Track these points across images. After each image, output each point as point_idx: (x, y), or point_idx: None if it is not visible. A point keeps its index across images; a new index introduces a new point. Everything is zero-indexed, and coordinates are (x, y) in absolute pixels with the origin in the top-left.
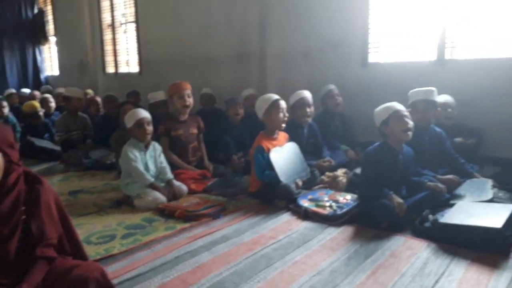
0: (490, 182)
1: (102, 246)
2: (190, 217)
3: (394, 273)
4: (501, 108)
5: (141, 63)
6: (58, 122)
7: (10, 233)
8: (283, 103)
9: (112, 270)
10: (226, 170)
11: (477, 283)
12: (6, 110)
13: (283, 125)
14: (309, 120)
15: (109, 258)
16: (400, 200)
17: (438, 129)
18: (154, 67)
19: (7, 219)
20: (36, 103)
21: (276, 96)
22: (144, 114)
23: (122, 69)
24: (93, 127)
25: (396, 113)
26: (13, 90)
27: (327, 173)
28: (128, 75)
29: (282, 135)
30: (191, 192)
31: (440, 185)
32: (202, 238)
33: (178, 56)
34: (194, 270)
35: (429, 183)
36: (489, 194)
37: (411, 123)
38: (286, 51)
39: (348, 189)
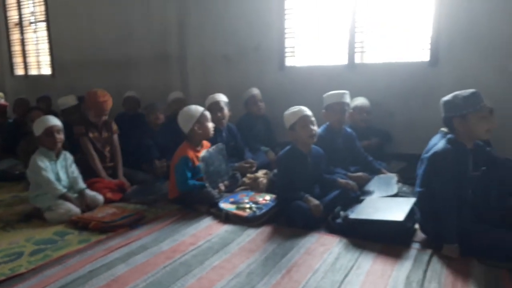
0: (395, 178)
1: (7, 265)
2: (106, 228)
3: (308, 270)
4: (406, 108)
5: (53, 65)
6: None
7: None
8: (208, 114)
9: None
10: (146, 176)
11: (382, 274)
12: None
13: (212, 133)
14: (224, 123)
15: (16, 278)
16: (316, 202)
17: (349, 130)
18: (69, 69)
19: None
20: None
21: (201, 108)
22: (54, 121)
23: (33, 71)
24: (0, 134)
25: (302, 119)
26: None
27: (248, 175)
28: (40, 77)
29: (205, 144)
30: (107, 201)
31: (350, 182)
32: (118, 250)
33: (94, 57)
34: (109, 283)
35: (341, 180)
36: (394, 189)
37: (315, 129)
38: (206, 53)
39: (268, 189)
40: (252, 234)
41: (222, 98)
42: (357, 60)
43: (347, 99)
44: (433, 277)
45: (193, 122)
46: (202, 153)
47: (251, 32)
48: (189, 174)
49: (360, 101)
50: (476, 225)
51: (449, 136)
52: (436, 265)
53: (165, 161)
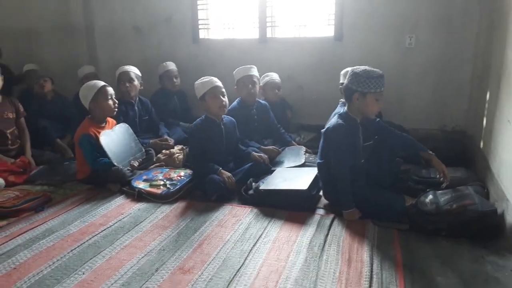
0: (303, 149)
1: None
2: (7, 214)
3: (219, 241)
4: (314, 81)
5: None
6: None
7: None
8: (110, 89)
9: None
10: (54, 156)
11: (287, 240)
12: None
13: (115, 111)
14: (133, 95)
15: None
16: (229, 174)
17: (263, 102)
18: None
19: None
20: None
21: (102, 83)
22: None
23: None
24: None
25: (212, 90)
26: None
27: (164, 151)
28: None
29: (110, 121)
30: (10, 185)
31: (263, 155)
32: (21, 236)
33: None
34: (10, 273)
35: (254, 153)
36: (302, 159)
37: (225, 100)
38: (115, 25)
39: (185, 165)
40: (166, 211)
41: (133, 69)
42: (269, 34)
43: (255, 72)
44: (333, 240)
45: (90, 99)
46: (101, 136)
47: (162, 2)
48: (94, 152)
49: (271, 77)
50: (370, 189)
51: (341, 111)
52: (337, 228)
53: (69, 137)
